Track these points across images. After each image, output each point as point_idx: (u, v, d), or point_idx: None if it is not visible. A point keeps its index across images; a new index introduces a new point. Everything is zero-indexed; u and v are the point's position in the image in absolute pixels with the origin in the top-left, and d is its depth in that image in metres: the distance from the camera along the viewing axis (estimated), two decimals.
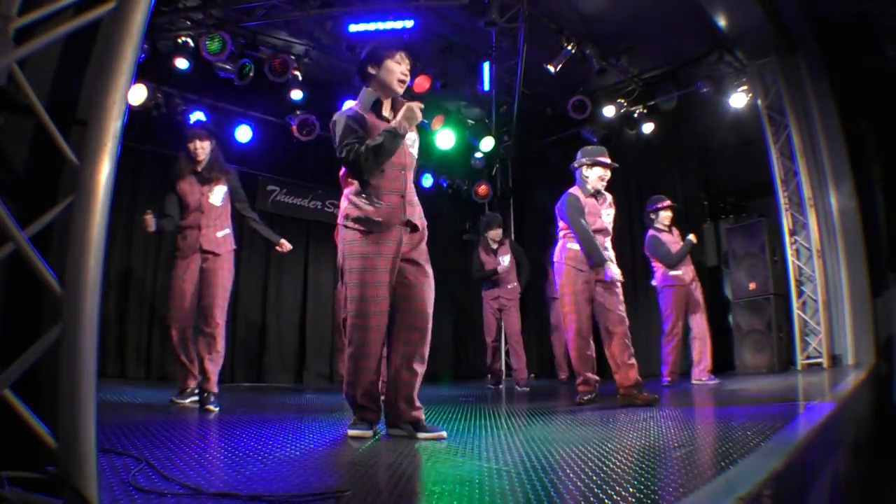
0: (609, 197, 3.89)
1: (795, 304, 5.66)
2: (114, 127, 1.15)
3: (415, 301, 2.34)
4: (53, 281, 1.09)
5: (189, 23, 5.50)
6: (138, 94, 5.57)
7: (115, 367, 5.67)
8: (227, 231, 3.81)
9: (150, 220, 3.56)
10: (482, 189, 8.09)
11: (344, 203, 2.42)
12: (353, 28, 5.68)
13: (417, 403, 2.33)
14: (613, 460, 1.70)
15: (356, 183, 2.37)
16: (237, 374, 6.36)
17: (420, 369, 2.34)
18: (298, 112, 6.61)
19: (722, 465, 1.54)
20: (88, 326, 1.09)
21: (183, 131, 6.15)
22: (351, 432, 2.30)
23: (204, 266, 3.67)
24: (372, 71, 2.40)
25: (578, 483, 1.43)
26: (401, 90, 2.42)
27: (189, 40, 5.54)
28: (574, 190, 3.85)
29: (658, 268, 5.19)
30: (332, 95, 6.83)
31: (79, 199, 1.11)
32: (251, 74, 5.86)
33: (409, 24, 5.54)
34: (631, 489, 1.33)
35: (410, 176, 2.44)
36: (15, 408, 1.04)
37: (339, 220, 2.43)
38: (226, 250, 3.76)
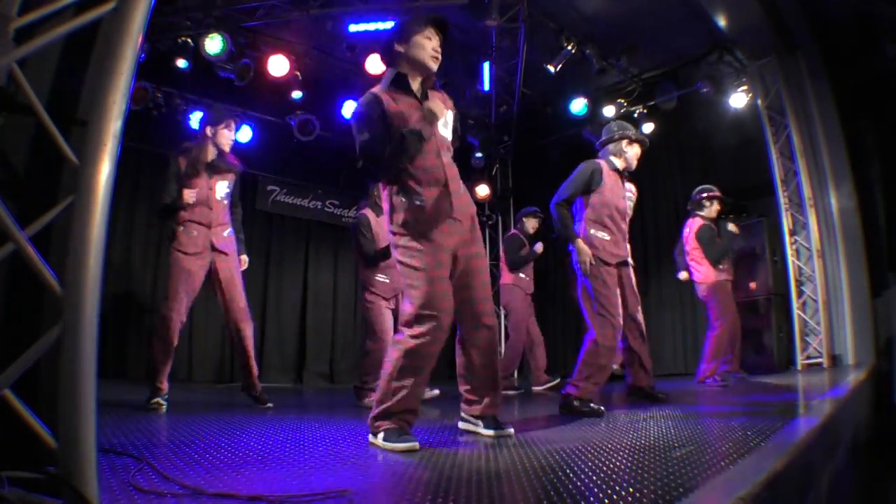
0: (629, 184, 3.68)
1: (795, 304, 5.66)
2: (114, 127, 1.15)
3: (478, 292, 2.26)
4: (53, 281, 1.09)
5: (189, 23, 5.50)
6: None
7: (115, 367, 5.67)
8: (231, 230, 3.66)
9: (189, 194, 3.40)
10: (482, 189, 8.09)
11: (386, 206, 2.23)
12: (353, 28, 5.68)
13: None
14: (613, 460, 1.70)
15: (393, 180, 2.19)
16: (237, 374, 6.35)
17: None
18: (298, 112, 6.61)
19: (722, 465, 1.54)
20: (88, 326, 1.09)
21: (182, 132, 6.21)
22: (401, 446, 2.00)
23: (219, 266, 3.52)
24: (400, 49, 2.20)
25: (578, 483, 1.43)
26: (434, 66, 2.21)
27: (189, 40, 5.54)
28: (601, 161, 3.48)
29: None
30: (332, 95, 6.84)
31: (79, 199, 1.11)
32: (251, 74, 5.86)
33: None
34: (631, 489, 1.33)
35: (448, 159, 2.24)
36: (15, 408, 1.04)
37: (387, 227, 2.23)
38: (232, 251, 3.62)
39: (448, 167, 2.23)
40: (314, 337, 7.10)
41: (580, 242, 3.25)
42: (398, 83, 2.23)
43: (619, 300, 3.36)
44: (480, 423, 2.35)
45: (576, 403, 3.07)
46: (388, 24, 5.58)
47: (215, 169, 3.57)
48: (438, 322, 2.07)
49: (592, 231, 3.32)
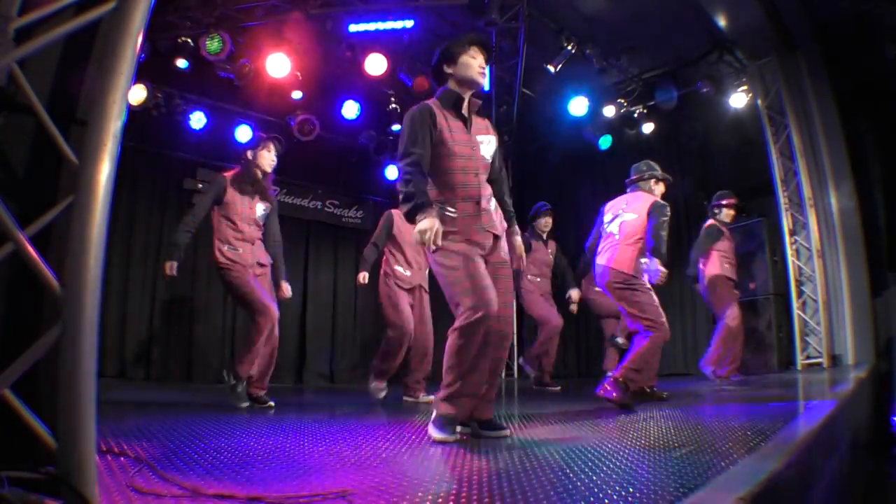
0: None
1: (795, 304, 5.66)
2: (114, 127, 1.15)
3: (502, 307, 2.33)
4: (53, 281, 1.09)
5: (189, 23, 5.50)
6: (138, 95, 5.57)
7: (115, 367, 5.67)
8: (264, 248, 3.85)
9: (172, 267, 3.55)
10: None
11: None
12: (353, 28, 5.68)
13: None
14: (613, 460, 1.70)
15: (432, 183, 2.29)
16: None
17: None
18: (298, 112, 6.61)
19: (722, 465, 1.54)
20: (88, 326, 1.09)
21: (182, 132, 6.21)
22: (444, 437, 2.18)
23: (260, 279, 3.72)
24: (448, 70, 2.36)
25: (578, 483, 1.43)
26: (483, 81, 2.37)
27: (189, 40, 5.54)
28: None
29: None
30: (332, 95, 6.84)
31: (79, 199, 1.11)
32: (251, 74, 5.86)
33: (409, 24, 5.54)
34: (631, 489, 1.33)
35: (483, 179, 2.36)
36: (15, 408, 1.04)
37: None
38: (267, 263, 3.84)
39: (483, 187, 2.33)
40: (314, 337, 7.10)
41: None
42: (452, 102, 2.36)
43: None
44: (477, 426, 2.36)
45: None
46: (388, 25, 5.58)
47: (254, 192, 3.74)
48: (487, 312, 2.13)
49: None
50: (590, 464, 1.66)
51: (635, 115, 6.97)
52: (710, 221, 5.21)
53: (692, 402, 3.69)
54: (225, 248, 3.59)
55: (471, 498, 1.31)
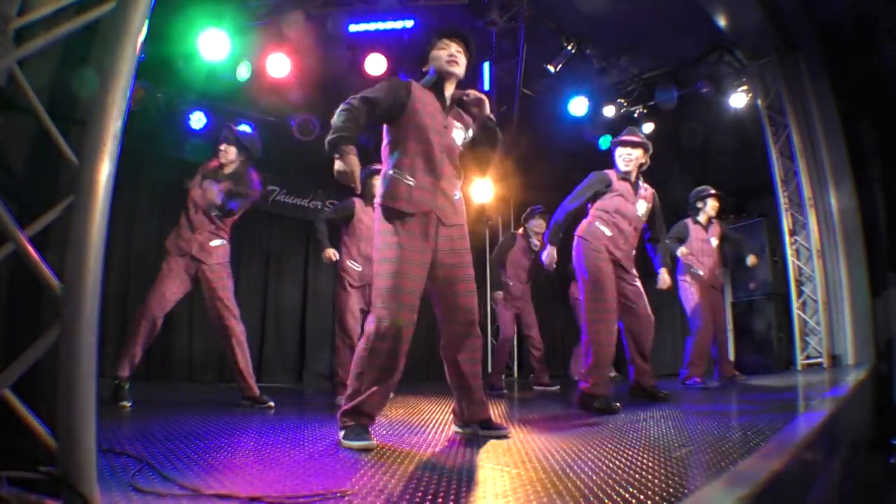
0: (649, 191, 3.72)
1: (795, 304, 5.66)
2: (114, 127, 1.15)
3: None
4: (53, 281, 1.09)
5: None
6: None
7: (115, 367, 5.66)
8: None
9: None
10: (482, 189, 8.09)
11: (379, 180, 2.35)
12: (353, 28, 5.68)
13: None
14: (613, 460, 1.70)
15: (395, 155, 2.29)
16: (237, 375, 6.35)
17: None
18: (298, 112, 6.61)
19: (722, 465, 1.54)
20: (88, 326, 1.09)
21: (183, 131, 6.21)
22: (356, 444, 2.06)
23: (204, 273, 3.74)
24: (424, 69, 2.47)
25: (578, 483, 1.42)
26: (454, 69, 2.38)
27: None
28: (608, 170, 3.67)
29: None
30: (332, 95, 6.83)
31: (79, 199, 1.11)
32: (251, 74, 5.85)
33: (409, 24, 5.54)
34: (631, 489, 1.33)
35: (453, 162, 2.36)
36: (15, 408, 1.04)
37: (376, 200, 2.31)
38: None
39: (448, 168, 2.33)
40: (314, 337, 7.09)
41: None
42: (432, 82, 2.42)
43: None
44: (477, 427, 2.35)
45: (593, 400, 3.18)
46: (388, 25, 5.58)
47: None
48: (398, 317, 2.12)
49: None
50: (590, 464, 1.66)
51: (635, 115, 6.97)
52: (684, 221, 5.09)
53: (692, 402, 3.69)
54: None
55: (470, 498, 1.31)
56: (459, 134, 2.42)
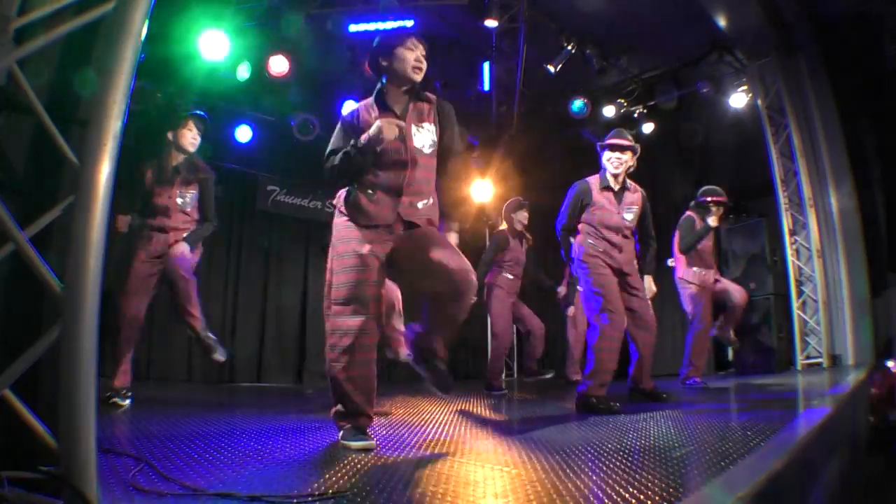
0: (637, 193, 3.64)
1: (795, 304, 5.66)
2: (114, 127, 1.15)
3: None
4: (53, 281, 1.09)
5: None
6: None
7: (114, 367, 5.66)
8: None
9: None
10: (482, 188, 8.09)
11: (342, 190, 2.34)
12: (353, 28, 5.67)
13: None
14: (613, 460, 1.70)
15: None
16: (237, 374, 6.36)
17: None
18: (298, 112, 6.61)
19: (722, 465, 1.54)
20: (88, 326, 1.09)
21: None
22: (356, 444, 2.04)
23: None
24: (384, 63, 2.28)
25: (578, 483, 1.42)
26: (417, 77, 2.27)
27: None
28: (591, 178, 3.60)
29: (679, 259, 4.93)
30: (332, 95, 6.83)
31: (79, 199, 1.11)
32: (251, 75, 5.85)
33: (409, 23, 5.53)
34: (631, 489, 1.33)
35: (416, 175, 2.25)
36: (15, 408, 1.04)
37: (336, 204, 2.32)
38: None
39: (411, 178, 2.24)
40: (314, 337, 7.09)
41: None
42: (378, 97, 2.33)
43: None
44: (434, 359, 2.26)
45: (593, 401, 3.19)
46: (388, 24, 5.58)
47: (181, 176, 3.54)
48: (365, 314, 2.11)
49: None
50: (590, 464, 1.66)
51: (635, 115, 6.97)
52: (687, 213, 4.92)
53: (692, 401, 3.69)
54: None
55: (470, 498, 1.31)
56: (424, 136, 2.29)
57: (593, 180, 3.60)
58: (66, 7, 1.20)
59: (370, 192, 2.22)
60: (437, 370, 2.23)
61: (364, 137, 2.15)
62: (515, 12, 5.55)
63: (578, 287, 4.56)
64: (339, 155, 2.21)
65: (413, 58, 2.25)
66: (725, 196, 4.84)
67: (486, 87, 6.45)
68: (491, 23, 5.34)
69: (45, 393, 1.12)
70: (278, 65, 5.81)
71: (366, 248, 2.17)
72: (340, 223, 2.27)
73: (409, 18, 5.51)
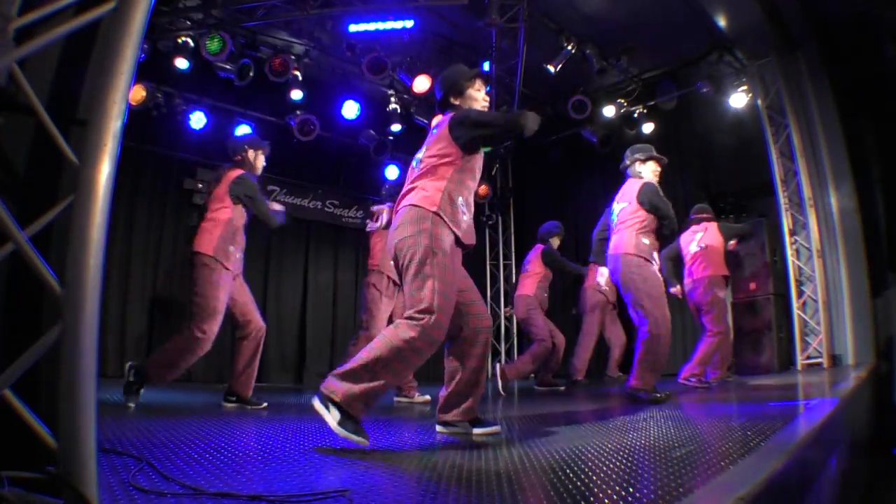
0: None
1: (795, 304, 5.66)
2: (114, 127, 1.14)
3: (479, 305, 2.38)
4: (53, 281, 1.09)
5: (189, 23, 5.50)
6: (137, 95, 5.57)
7: (115, 367, 5.67)
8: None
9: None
10: (482, 189, 8.09)
11: (438, 195, 2.27)
12: (353, 28, 5.68)
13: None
14: (614, 460, 1.70)
15: (454, 184, 2.30)
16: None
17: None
18: (298, 112, 6.61)
19: (722, 465, 1.54)
20: (88, 326, 1.09)
21: (182, 132, 6.21)
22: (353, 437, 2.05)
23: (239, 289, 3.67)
24: (455, 101, 2.52)
25: (579, 483, 1.42)
26: None
27: (189, 40, 5.54)
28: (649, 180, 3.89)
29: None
30: (332, 95, 6.84)
31: (79, 199, 1.11)
32: (251, 74, 5.86)
33: (409, 24, 5.54)
34: (631, 489, 1.33)
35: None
36: (15, 408, 1.04)
37: (429, 207, 2.24)
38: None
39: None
40: (314, 337, 7.10)
41: None
42: None
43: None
44: (467, 424, 2.32)
45: (642, 395, 3.49)
46: (388, 25, 5.57)
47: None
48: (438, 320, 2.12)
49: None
50: (590, 464, 1.66)
51: (635, 115, 6.97)
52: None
53: (692, 402, 3.69)
54: (230, 248, 3.53)
55: (470, 498, 1.31)
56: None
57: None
58: (66, 7, 1.19)
59: (464, 211, 2.33)
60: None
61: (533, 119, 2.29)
62: (515, 12, 5.55)
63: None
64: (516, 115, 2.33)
65: (482, 97, 2.55)
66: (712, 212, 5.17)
67: (487, 87, 6.44)
68: (490, 23, 5.34)
69: (45, 393, 1.12)
70: (280, 66, 5.81)
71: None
72: (439, 233, 2.23)
73: (410, 18, 5.51)
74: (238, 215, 3.58)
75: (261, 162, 3.84)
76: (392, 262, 2.34)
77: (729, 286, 5.16)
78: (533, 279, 5.40)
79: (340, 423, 2.03)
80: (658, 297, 3.61)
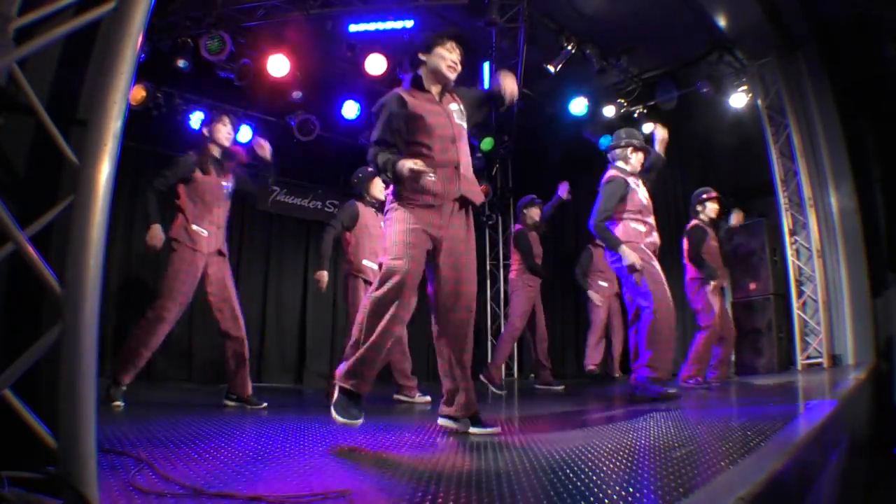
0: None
1: (795, 304, 5.66)
2: (114, 127, 1.14)
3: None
4: (53, 281, 1.09)
5: (189, 23, 5.50)
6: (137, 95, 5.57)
7: (115, 367, 5.66)
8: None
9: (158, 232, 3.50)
10: (482, 189, 8.09)
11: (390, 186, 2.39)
12: (353, 28, 5.68)
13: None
14: (613, 460, 1.70)
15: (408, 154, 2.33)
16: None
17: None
18: (298, 112, 6.61)
19: (722, 465, 1.54)
20: (88, 326, 1.09)
21: (182, 132, 6.21)
22: (344, 420, 2.20)
23: (218, 269, 3.63)
24: (422, 57, 2.45)
25: (578, 483, 1.42)
26: (451, 76, 2.44)
27: (189, 40, 5.54)
28: (615, 172, 3.84)
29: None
30: (332, 95, 6.83)
31: (79, 199, 1.11)
32: (251, 74, 5.86)
33: (409, 24, 5.54)
34: (631, 489, 1.33)
35: (463, 147, 2.43)
36: (15, 408, 1.04)
37: (388, 201, 2.38)
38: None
39: (461, 153, 2.41)
40: (314, 337, 7.09)
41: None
42: (416, 84, 2.47)
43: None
44: (467, 421, 2.36)
45: (651, 390, 3.46)
46: (388, 25, 5.58)
47: (221, 167, 3.74)
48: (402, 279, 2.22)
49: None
50: (590, 464, 1.66)
51: (635, 115, 6.97)
52: (694, 222, 4.90)
53: (692, 402, 3.69)
54: (193, 227, 3.54)
55: (470, 498, 1.31)
56: (461, 116, 2.49)
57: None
58: (66, 7, 1.19)
59: (430, 174, 2.30)
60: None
61: (401, 166, 2.21)
62: (515, 12, 5.55)
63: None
64: (389, 162, 2.26)
65: (450, 58, 2.43)
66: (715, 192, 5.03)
67: (486, 87, 6.45)
68: (490, 23, 5.34)
69: (45, 393, 1.12)
70: (278, 64, 5.81)
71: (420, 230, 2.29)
72: (399, 214, 2.33)
73: (410, 18, 5.51)
74: (190, 194, 3.62)
75: (221, 133, 3.80)
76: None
77: (729, 286, 5.14)
78: (515, 261, 5.54)
79: (334, 405, 2.17)
80: (656, 274, 3.61)
